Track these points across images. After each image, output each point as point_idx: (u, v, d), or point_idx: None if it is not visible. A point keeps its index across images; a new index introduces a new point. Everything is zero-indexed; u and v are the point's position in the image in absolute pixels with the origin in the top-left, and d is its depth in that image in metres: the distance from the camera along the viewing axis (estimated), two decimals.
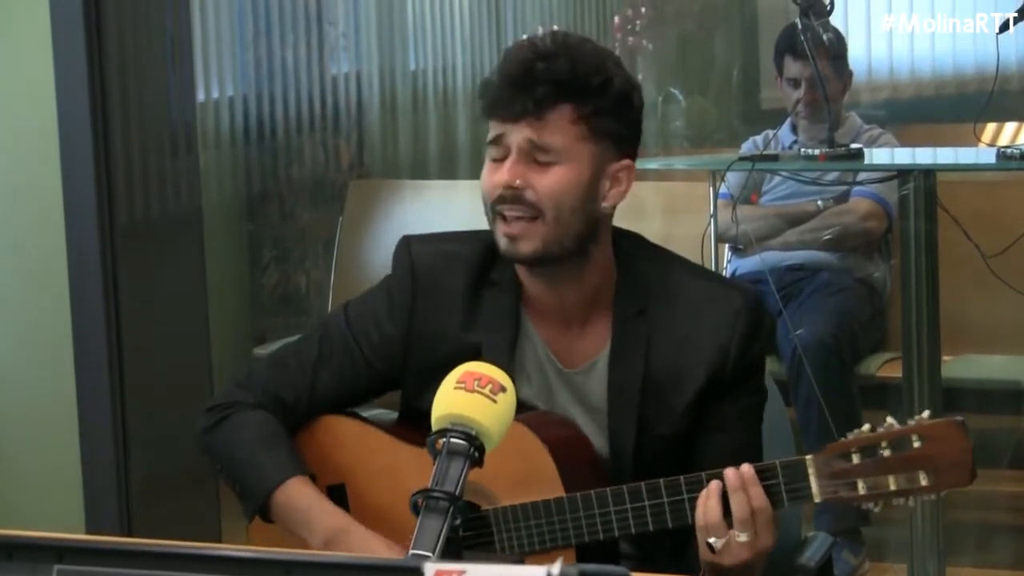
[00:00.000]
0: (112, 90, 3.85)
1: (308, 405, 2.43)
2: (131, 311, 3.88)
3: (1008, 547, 4.59)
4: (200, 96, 5.00)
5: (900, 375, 4.08)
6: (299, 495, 2.34)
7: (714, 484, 2.16)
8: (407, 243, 2.44)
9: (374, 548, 2.27)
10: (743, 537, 2.13)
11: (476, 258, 2.38)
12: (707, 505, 2.15)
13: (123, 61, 3.89)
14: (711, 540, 2.15)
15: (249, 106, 5.45)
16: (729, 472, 2.15)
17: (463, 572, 1.29)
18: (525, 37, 2.33)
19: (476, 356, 2.28)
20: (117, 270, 3.85)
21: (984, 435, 4.72)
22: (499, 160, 2.27)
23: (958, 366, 4.49)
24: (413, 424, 2.33)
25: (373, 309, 2.42)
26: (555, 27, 6.52)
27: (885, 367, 4.59)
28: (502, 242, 2.29)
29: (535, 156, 2.25)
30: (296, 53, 5.59)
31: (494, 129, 2.27)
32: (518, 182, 2.24)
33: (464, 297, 2.37)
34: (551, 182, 2.25)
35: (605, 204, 2.31)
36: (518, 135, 2.25)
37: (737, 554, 2.14)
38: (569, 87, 2.24)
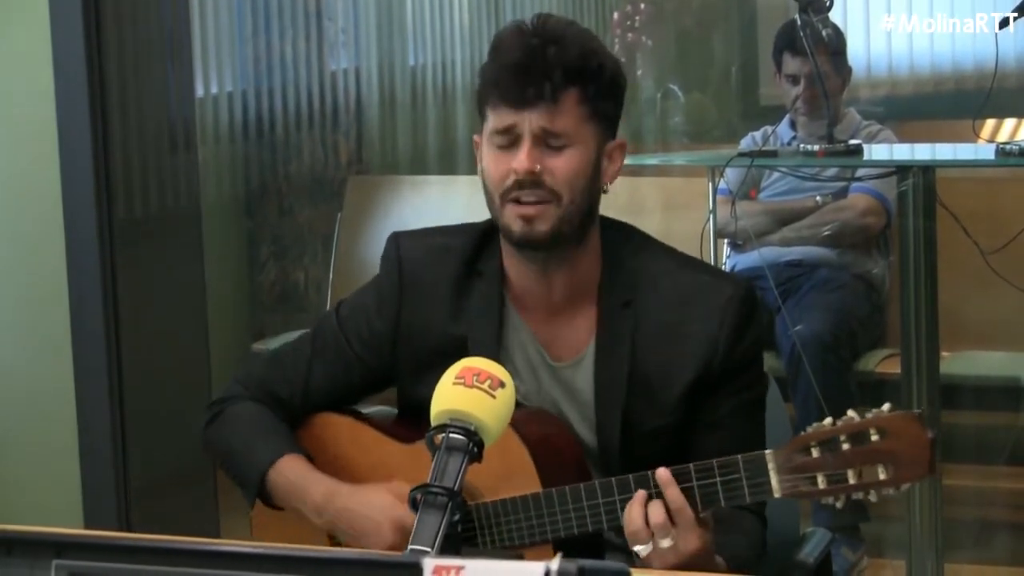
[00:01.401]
0: (111, 86, 3.84)
1: (302, 402, 2.45)
2: (130, 307, 3.88)
3: (1006, 543, 4.59)
4: (199, 92, 5.00)
5: (899, 371, 4.08)
6: (291, 470, 2.35)
7: (639, 493, 2.15)
8: (396, 239, 2.46)
9: (369, 499, 2.28)
10: (665, 542, 2.12)
11: (464, 250, 2.39)
12: (630, 513, 2.14)
13: (122, 57, 3.89)
14: (636, 548, 2.14)
15: (248, 102, 5.44)
16: (659, 471, 2.14)
17: (462, 568, 1.28)
18: (511, 23, 2.32)
19: (462, 348, 2.30)
20: (116, 266, 3.85)
21: (982, 431, 4.72)
22: (507, 147, 2.27)
23: (957, 362, 4.49)
24: (410, 421, 2.34)
25: (363, 306, 2.44)
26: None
27: (884, 363, 4.58)
28: (517, 224, 2.27)
29: (548, 141, 2.25)
30: (295, 49, 5.59)
31: (503, 118, 2.26)
32: (538, 167, 2.25)
33: (451, 289, 2.38)
34: (566, 166, 2.26)
35: (605, 183, 2.33)
36: (531, 122, 2.24)
37: (662, 559, 2.13)
38: (577, 71, 2.24)
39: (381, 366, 2.43)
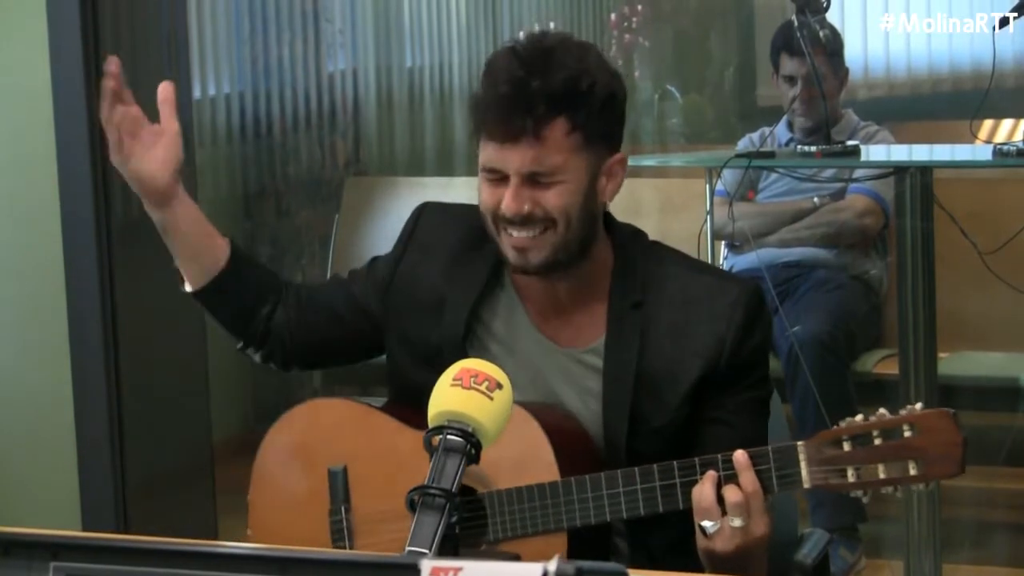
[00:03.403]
0: None
1: (307, 297, 2.54)
2: (127, 309, 3.88)
3: (1004, 544, 4.59)
4: (197, 93, 5.01)
5: (896, 372, 4.09)
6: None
7: (711, 473, 2.16)
8: (421, 207, 2.51)
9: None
10: (737, 522, 2.14)
11: (478, 225, 2.38)
12: (702, 490, 2.16)
13: (120, 58, 3.88)
14: (705, 524, 2.16)
15: (246, 103, 5.45)
16: (737, 454, 2.16)
17: (460, 569, 1.28)
18: (507, 42, 2.29)
19: (440, 307, 2.37)
20: (113, 268, 3.85)
21: (980, 432, 4.72)
22: (496, 181, 2.27)
23: (954, 363, 4.49)
24: (409, 405, 2.33)
25: (381, 260, 2.51)
26: (535, 27, 6.51)
27: (881, 364, 4.58)
28: (510, 254, 2.29)
29: (536, 179, 2.25)
30: (293, 50, 5.59)
31: (490, 155, 2.25)
32: (526, 208, 2.25)
33: (452, 254, 2.41)
34: (556, 200, 2.25)
35: (603, 200, 2.32)
36: (517, 161, 2.23)
37: (731, 539, 2.15)
38: (563, 100, 2.22)
39: (370, 310, 2.47)
